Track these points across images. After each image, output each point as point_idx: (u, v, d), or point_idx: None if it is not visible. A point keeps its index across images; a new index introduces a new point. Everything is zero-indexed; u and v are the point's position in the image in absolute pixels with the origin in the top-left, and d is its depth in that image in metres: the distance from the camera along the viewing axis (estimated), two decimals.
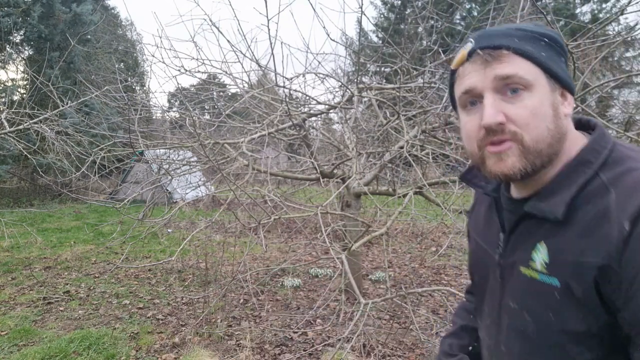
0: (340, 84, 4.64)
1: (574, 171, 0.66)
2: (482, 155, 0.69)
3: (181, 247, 3.10)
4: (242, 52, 3.85)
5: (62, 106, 5.09)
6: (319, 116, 4.82)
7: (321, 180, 3.91)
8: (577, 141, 0.70)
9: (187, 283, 4.88)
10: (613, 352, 0.62)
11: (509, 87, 0.65)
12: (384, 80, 6.45)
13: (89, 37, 13.27)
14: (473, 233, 0.91)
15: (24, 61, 11.31)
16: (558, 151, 0.67)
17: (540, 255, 0.67)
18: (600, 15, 15.11)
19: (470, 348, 1.00)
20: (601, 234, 0.59)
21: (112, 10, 19.49)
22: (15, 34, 11.39)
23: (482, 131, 0.67)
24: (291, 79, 3.83)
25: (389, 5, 19.01)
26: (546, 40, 0.68)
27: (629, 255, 0.56)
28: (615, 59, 12.74)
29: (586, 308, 0.61)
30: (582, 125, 0.74)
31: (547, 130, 0.65)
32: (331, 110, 4.11)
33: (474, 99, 0.69)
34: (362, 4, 2.95)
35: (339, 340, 3.21)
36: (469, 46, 0.69)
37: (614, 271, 0.57)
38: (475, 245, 0.89)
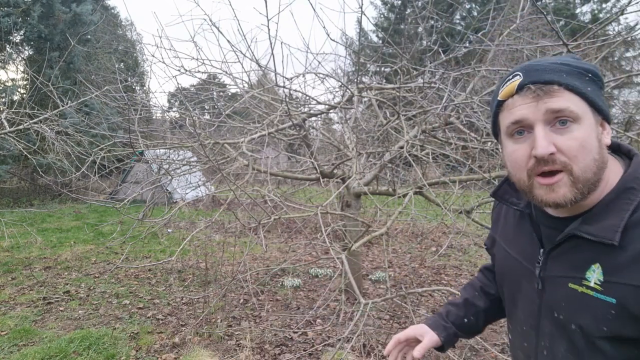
0: (340, 84, 4.64)
1: (619, 197, 0.72)
2: (531, 184, 0.74)
3: (181, 247, 3.09)
4: (242, 52, 3.85)
5: (62, 106, 5.09)
6: (319, 116, 4.82)
7: (321, 180, 3.91)
8: (613, 167, 0.75)
9: (187, 283, 4.88)
10: None
11: (558, 119, 0.70)
12: (384, 80, 6.46)
13: (89, 37, 13.27)
14: (503, 243, 0.96)
15: (24, 61, 11.32)
16: (601, 178, 0.72)
17: (595, 275, 0.72)
18: (600, 15, 15.13)
19: (465, 320, 1.08)
20: None
21: (112, 10, 19.49)
22: (15, 34, 11.38)
23: (532, 160, 0.72)
24: (291, 79, 3.83)
25: (389, 5, 19.02)
26: (590, 75, 0.73)
27: None
28: (615, 59, 12.74)
29: None
30: (612, 148, 0.79)
31: (594, 160, 0.70)
32: (331, 110, 4.11)
33: (523, 129, 0.74)
34: (362, 4, 2.95)
35: (339, 340, 3.21)
36: (517, 79, 0.74)
37: None
38: (504, 254, 0.95)
